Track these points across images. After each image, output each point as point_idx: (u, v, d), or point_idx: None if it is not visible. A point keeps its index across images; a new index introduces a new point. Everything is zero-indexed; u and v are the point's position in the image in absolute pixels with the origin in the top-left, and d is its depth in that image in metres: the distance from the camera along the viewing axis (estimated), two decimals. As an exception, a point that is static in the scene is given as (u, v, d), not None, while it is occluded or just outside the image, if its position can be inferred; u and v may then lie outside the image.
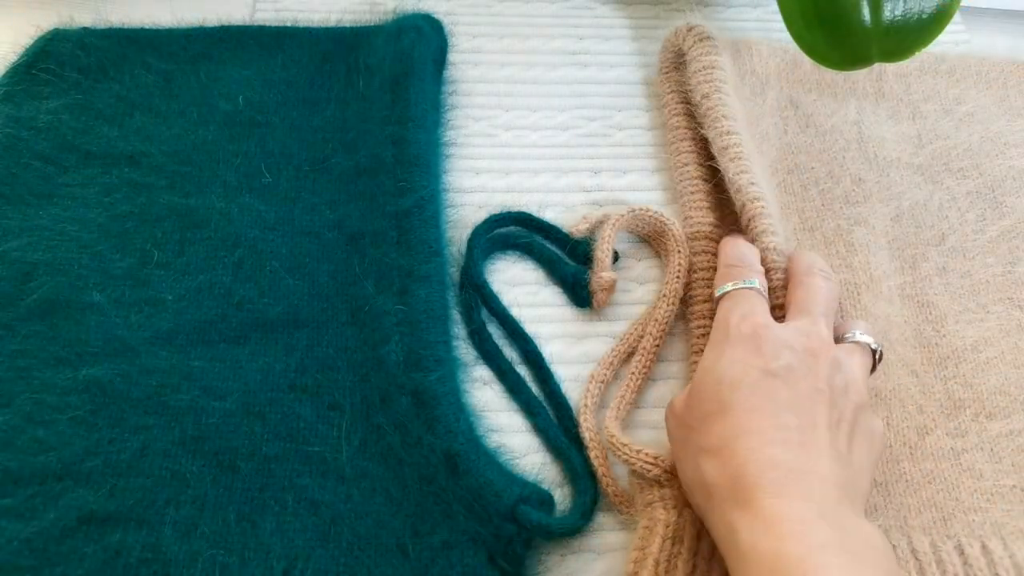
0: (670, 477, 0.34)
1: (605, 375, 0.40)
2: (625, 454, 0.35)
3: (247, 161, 0.46)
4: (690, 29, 0.50)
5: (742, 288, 0.35)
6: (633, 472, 0.35)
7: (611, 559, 0.36)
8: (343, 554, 0.34)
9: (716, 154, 0.44)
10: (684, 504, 0.34)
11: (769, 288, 0.38)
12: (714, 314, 0.41)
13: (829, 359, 0.32)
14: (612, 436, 0.36)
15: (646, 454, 0.34)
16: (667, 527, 0.33)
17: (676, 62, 0.52)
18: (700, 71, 0.47)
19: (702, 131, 0.46)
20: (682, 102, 0.50)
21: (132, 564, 0.33)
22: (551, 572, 0.35)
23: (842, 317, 0.41)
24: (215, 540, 0.34)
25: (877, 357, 0.36)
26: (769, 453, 0.28)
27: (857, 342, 0.35)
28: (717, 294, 0.36)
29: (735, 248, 0.38)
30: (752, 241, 0.40)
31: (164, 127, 0.47)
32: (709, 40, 0.49)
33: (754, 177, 0.42)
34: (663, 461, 0.34)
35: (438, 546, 0.34)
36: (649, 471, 0.34)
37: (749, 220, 0.41)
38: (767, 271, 0.39)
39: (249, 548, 0.34)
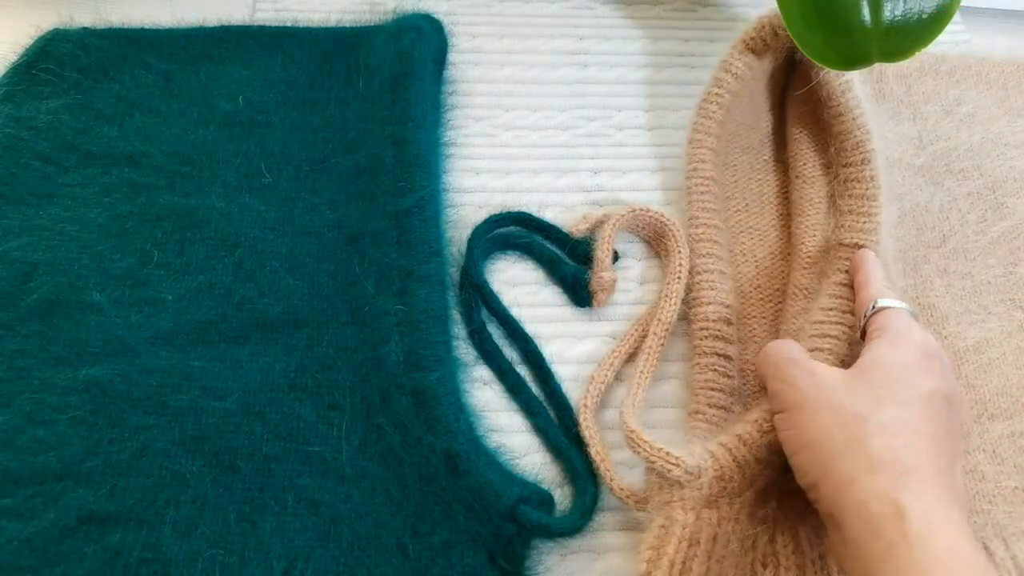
0: (691, 478, 0.33)
1: (606, 376, 0.40)
2: (647, 451, 0.34)
3: (247, 161, 0.46)
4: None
5: (908, 309, 0.36)
6: (653, 470, 0.34)
7: (611, 559, 0.36)
8: (343, 554, 0.34)
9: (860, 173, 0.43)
10: (703, 506, 0.33)
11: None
12: (718, 316, 0.41)
13: (968, 407, 0.35)
14: (633, 432, 0.35)
15: (668, 453, 0.34)
16: (684, 528, 0.32)
17: (765, 47, 0.47)
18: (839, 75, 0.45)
19: (841, 134, 0.44)
20: (731, 90, 0.46)
21: (132, 564, 0.33)
22: (551, 572, 0.35)
23: None
24: (215, 540, 0.34)
25: None
26: (940, 464, 0.30)
27: None
28: (882, 303, 0.36)
29: (880, 268, 0.39)
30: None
31: (164, 127, 0.47)
32: None
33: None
34: (684, 461, 0.33)
35: (438, 546, 0.34)
36: (671, 471, 0.33)
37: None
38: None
39: (249, 548, 0.34)
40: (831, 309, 0.39)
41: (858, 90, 0.45)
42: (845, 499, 0.29)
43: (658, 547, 0.32)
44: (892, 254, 0.44)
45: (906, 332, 0.34)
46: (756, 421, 0.35)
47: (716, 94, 0.47)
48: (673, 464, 0.33)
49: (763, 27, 0.47)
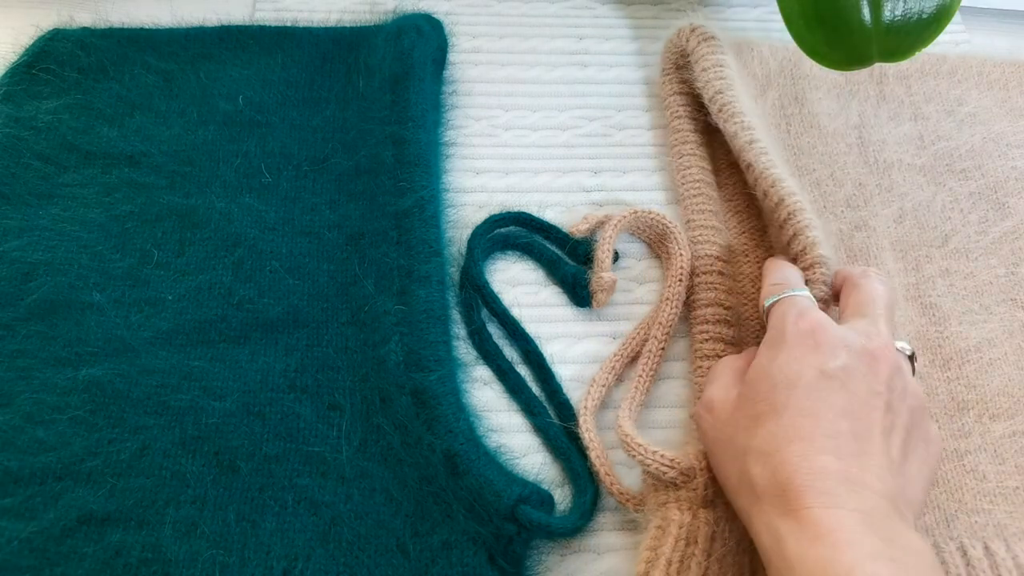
0: (686, 479, 0.34)
1: (607, 379, 0.40)
2: (641, 455, 0.34)
3: (247, 161, 0.46)
4: (693, 29, 0.50)
5: (793, 295, 0.34)
6: (648, 473, 0.35)
7: (611, 559, 0.36)
8: (343, 554, 0.34)
9: (739, 149, 0.43)
10: (699, 506, 0.33)
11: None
12: (718, 318, 0.41)
13: (890, 362, 0.31)
14: (627, 436, 0.35)
15: (663, 456, 0.34)
16: (680, 528, 0.33)
17: (679, 63, 0.51)
18: (708, 69, 0.47)
19: (719, 127, 0.45)
20: (685, 104, 0.50)
21: (132, 564, 0.33)
22: (551, 572, 0.35)
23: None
24: (215, 540, 0.34)
25: (913, 361, 0.35)
26: (821, 462, 0.28)
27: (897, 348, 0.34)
28: (766, 304, 0.35)
29: (780, 270, 0.37)
30: (792, 243, 0.39)
31: (164, 127, 0.47)
32: (713, 40, 0.49)
33: (783, 173, 0.41)
34: (679, 463, 0.34)
35: (438, 546, 0.34)
36: (666, 473, 0.34)
37: (788, 216, 0.39)
38: (813, 284, 0.37)
39: (249, 548, 0.34)
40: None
41: (731, 68, 0.46)
42: (750, 534, 0.29)
43: (655, 547, 0.33)
44: (890, 254, 0.44)
45: (777, 324, 0.33)
46: None
47: (676, 113, 0.49)
48: (668, 466, 0.34)
49: (670, 51, 0.51)
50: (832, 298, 0.38)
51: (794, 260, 0.39)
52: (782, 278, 0.37)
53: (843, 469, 0.28)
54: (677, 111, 0.50)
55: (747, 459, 0.30)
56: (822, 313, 0.34)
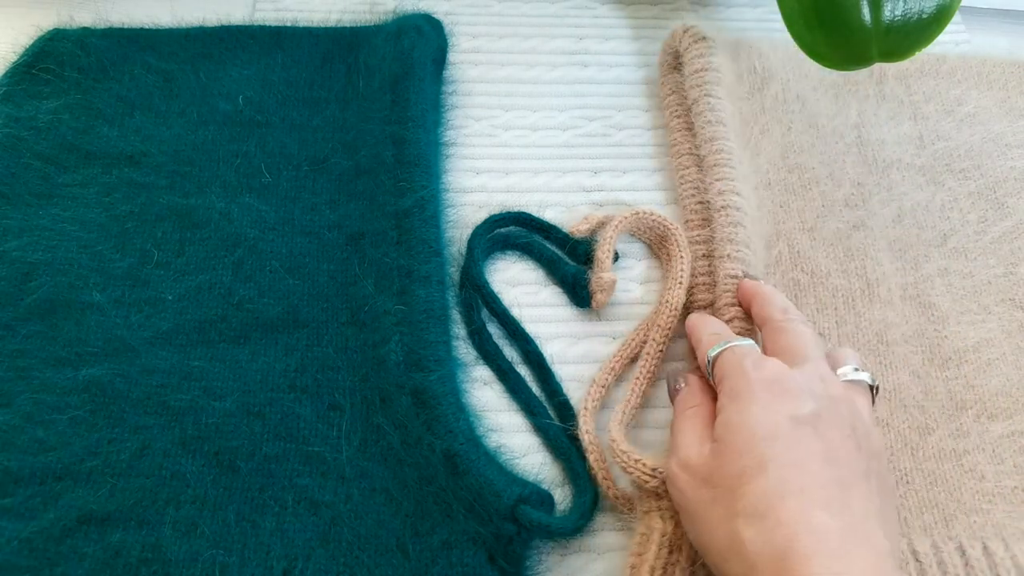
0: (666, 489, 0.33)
1: (607, 379, 0.40)
2: (624, 462, 0.34)
3: (247, 161, 0.46)
4: (686, 30, 0.50)
5: (740, 345, 0.33)
6: (631, 480, 0.35)
7: (611, 559, 0.36)
8: (343, 554, 0.34)
9: (703, 161, 0.45)
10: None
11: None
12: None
13: (847, 403, 0.31)
14: (614, 441, 0.35)
15: (644, 464, 0.34)
16: (663, 536, 0.33)
17: (675, 64, 0.52)
18: (693, 74, 0.48)
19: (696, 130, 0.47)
20: (681, 104, 0.50)
21: (132, 564, 0.33)
22: (551, 572, 0.35)
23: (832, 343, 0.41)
24: (215, 540, 0.34)
25: (875, 392, 0.34)
26: (818, 518, 0.26)
27: (853, 380, 0.33)
28: (711, 354, 0.34)
29: (711, 323, 0.37)
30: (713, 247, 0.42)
31: (164, 127, 0.47)
32: (704, 41, 0.49)
33: (736, 188, 0.43)
34: (661, 473, 0.33)
35: (438, 546, 0.34)
36: (647, 482, 0.34)
37: (719, 228, 0.42)
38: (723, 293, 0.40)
39: (249, 548, 0.34)
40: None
41: (717, 72, 0.48)
42: None
43: (639, 553, 0.33)
44: (888, 254, 0.44)
45: (736, 374, 0.31)
46: None
47: (674, 112, 0.50)
48: (649, 475, 0.34)
49: (666, 52, 0.52)
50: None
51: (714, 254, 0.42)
52: (719, 328, 0.36)
53: (842, 525, 0.26)
54: (675, 110, 0.50)
55: (736, 523, 0.27)
56: (777, 360, 0.32)
